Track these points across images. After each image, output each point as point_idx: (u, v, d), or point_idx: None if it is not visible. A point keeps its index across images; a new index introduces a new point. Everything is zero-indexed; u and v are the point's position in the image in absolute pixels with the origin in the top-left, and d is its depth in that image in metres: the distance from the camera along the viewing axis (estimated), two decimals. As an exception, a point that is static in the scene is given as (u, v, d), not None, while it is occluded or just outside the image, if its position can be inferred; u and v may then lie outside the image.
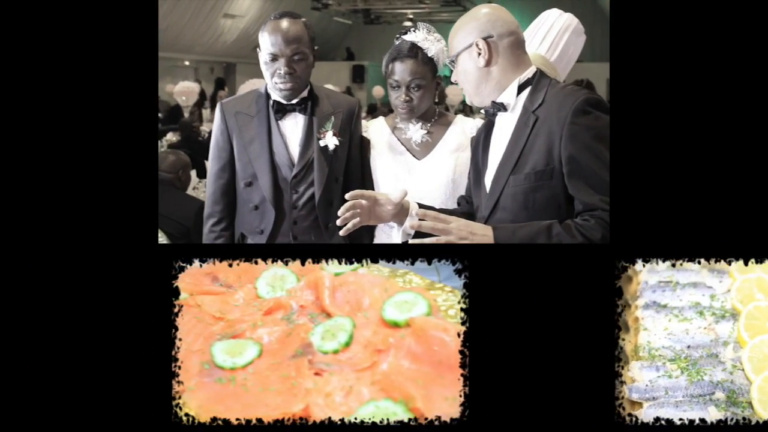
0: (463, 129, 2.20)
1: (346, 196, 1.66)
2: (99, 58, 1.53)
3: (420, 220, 1.51)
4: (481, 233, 1.49)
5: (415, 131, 2.21)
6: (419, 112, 2.18)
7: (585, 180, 1.49)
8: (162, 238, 2.94)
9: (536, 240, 1.46)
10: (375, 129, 2.30)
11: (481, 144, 1.74)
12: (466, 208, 1.82)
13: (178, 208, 3.15)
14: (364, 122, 2.33)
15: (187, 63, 17.65)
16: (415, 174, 2.18)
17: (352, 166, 2.24)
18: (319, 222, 2.16)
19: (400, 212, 1.70)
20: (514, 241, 1.47)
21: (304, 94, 2.16)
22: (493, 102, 1.65)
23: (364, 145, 2.28)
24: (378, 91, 12.77)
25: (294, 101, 2.15)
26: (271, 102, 2.16)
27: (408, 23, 13.49)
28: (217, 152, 2.21)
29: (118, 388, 1.42)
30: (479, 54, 1.63)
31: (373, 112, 7.71)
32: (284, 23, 2.07)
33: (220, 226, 2.23)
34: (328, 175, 2.14)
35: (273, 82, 2.10)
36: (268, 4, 16.51)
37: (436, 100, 2.26)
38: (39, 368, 1.43)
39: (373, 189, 2.27)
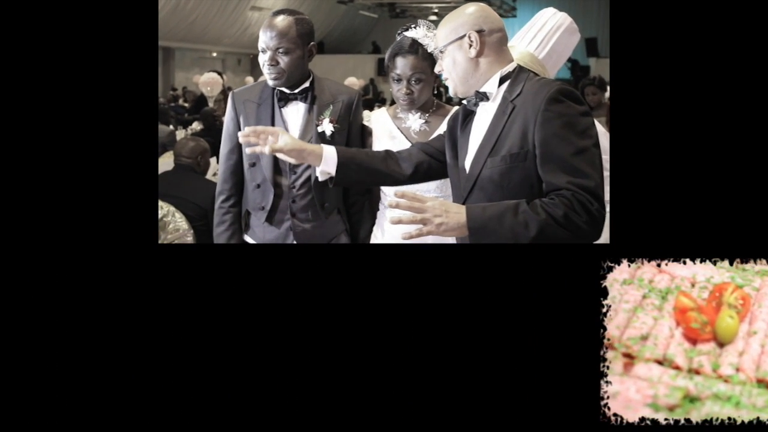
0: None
1: (242, 133, 1.87)
2: (95, 55, 1.54)
3: (398, 198, 1.63)
4: (454, 211, 1.60)
5: (414, 120, 2.36)
6: (419, 103, 2.32)
7: (554, 162, 1.61)
8: (181, 221, 3.16)
9: (504, 216, 1.57)
10: (376, 118, 2.45)
11: (459, 128, 1.86)
12: (416, 155, 1.98)
13: (197, 192, 3.34)
14: (366, 112, 2.50)
15: (214, 54, 17.87)
16: None
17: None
18: (315, 201, 2.35)
19: (310, 156, 1.90)
20: (484, 219, 1.58)
21: (306, 84, 2.33)
22: (477, 92, 1.78)
23: (365, 132, 2.43)
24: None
25: (296, 90, 2.33)
26: (275, 92, 2.35)
27: (433, 17, 13.63)
28: (227, 136, 2.42)
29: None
30: (470, 45, 1.75)
31: (394, 104, 7.85)
32: (275, 20, 2.26)
33: (228, 202, 2.43)
34: None
35: (264, 72, 2.30)
36: (294, -3, 16.70)
37: (435, 92, 2.40)
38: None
39: None
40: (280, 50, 2.25)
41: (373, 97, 12.67)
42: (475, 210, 1.61)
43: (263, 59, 2.28)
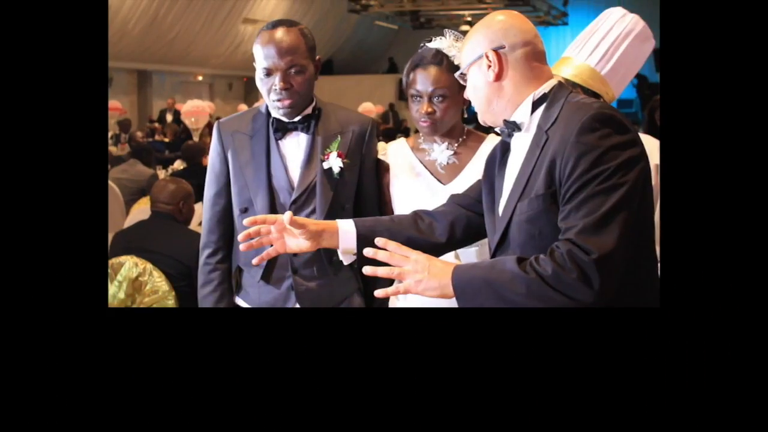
0: None
1: (245, 222, 1.88)
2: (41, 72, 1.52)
3: (379, 248, 1.67)
4: (439, 268, 1.64)
5: (440, 152, 2.38)
6: (444, 128, 2.34)
7: (569, 204, 1.61)
8: (160, 280, 3.20)
9: (490, 275, 1.60)
10: (394, 150, 2.47)
11: (496, 167, 1.88)
12: (428, 226, 1.99)
13: (178, 245, 3.40)
14: (382, 144, 2.53)
15: (200, 78, 18.24)
16: (440, 200, 2.28)
17: (364, 192, 2.44)
18: (321, 253, 2.36)
19: (325, 235, 1.91)
20: (470, 279, 1.62)
21: (308, 110, 2.37)
22: (505, 121, 1.79)
23: (381, 168, 2.46)
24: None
25: (296, 119, 2.36)
26: (270, 120, 2.38)
27: (466, 27, 13.76)
28: (213, 176, 2.45)
29: None
30: (489, 67, 1.77)
31: (417, 133, 7.91)
32: (278, 33, 2.28)
33: (215, 257, 2.45)
34: (332, 201, 2.34)
35: (270, 100, 2.32)
36: (297, 6, 17.00)
37: (465, 116, 2.41)
38: None
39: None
40: (294, 70, 2.29)
41: (394, 127, 12.72)
42: (462, 269, 1.65)
43: (269, 84, 2.30)
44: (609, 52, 2.18)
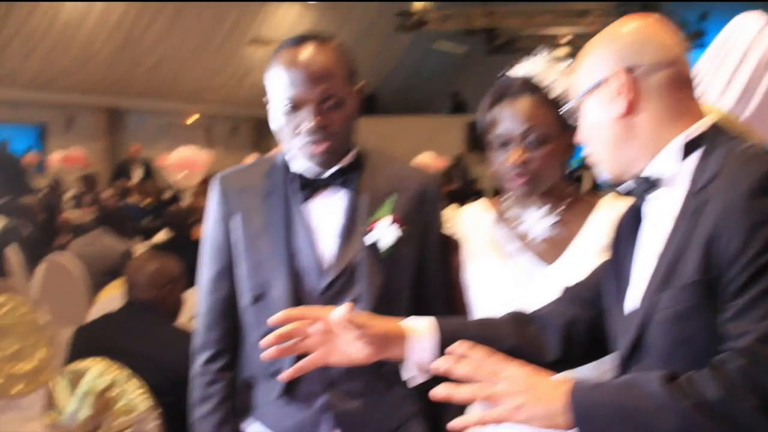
0: (615, 215, 2.24)
1: (270, 321, 1.89)
2: None
3: (451, 355, 1.65)
4: (547, 388, 1.60)
5: (536, 220, 2.39)
6: (543, 184, 2.35)
7: (744, 299, 1.56)
8: (137, 395, 3.21)
9: (627, 408, 1.55)
10: (471, 219, 2.48)
11: (623, 241, 1.87)
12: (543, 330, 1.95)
13: (162, 345, 3.44)
14: (449, 211, 2.52)
15: (193, 118, 18.49)
16: (541, 287, 2.30)
17: (426, 278, 2.44)
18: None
19: (383, 341, 1.87)
20: (595, 404, 1.58)
21: (347, 159, 2.39)
22: (639, 177, 1.78)
23: (448, 247, 2.47)
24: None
25: (328, 173, 2.38)
26: (290, 176, 2.41)
27: (564, 50, 13.71)
28: (213, 252, 2.47)
29: None
30: (617, 95, 1.75)
31: (498, 195, 7.89)
32: (306, 51, 2.30)
33: (216, 363, 2.46)
34: (383, 287, 2.35)
35: (298, 145, 2.33)
36: (325, 22, 17.13)
37: (569, 172, 2.43)
38: None
39: (464, 312, 2.44)
40: (330, 102, 2.30)
41: (462, 187, 12.73)
42: (582, 389, 1.60)
43: (295, 121, 2.31)
44: (748, 89, 2.19)
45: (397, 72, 20.12)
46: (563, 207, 2.40)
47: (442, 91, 21.50)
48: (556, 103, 2.29)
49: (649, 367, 1.66)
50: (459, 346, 1.67)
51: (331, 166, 2.37)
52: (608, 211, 2.34)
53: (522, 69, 2.37)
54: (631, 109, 1.75)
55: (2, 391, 4.56)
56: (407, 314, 1.99)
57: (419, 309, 2.19)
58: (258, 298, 2.41)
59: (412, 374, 1.91)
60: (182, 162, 7.92)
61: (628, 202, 2.30)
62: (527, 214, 2.42)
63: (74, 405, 3.27)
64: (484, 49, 18.50)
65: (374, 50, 18.68)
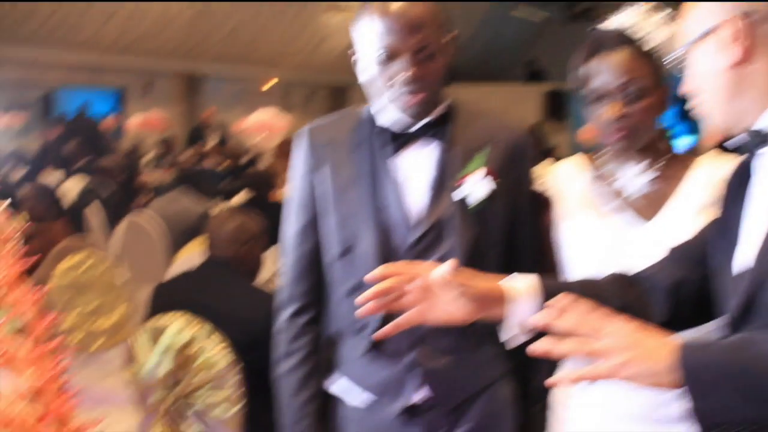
0: (715, 173, 2.28)
1: (367, 278, 1.85)
2: None
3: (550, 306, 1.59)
4: (653, 344, 1.54)
5: (635, 175, 2.36)
6: (642, 139, 2.31)
7: None
8: (217, 352, 3.20)
9: (742, 367, 1.49)
10: (564, 175, 2.47)
11: (731, 199, 1.83)
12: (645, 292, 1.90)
13: (241, 306, 3.45)
14: (541, 167, 2.50)
15: (269, 84, 18.68)
16: (638, 245, 2.29)
17: (518, 234, 2.42)
18: None
19: (484, 301, 1.84)
20: (706, 363, 1.51)
21: (436, 113, 2.37)
22: (751, 130, 1.73)
23: (539, 204, 2.44)
24: (587, 132, 12.99)
25: (418, 125, 2.35)
26: (377, 129, 2.39)
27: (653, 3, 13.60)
28: (298, 205, 2.46)
29: None
30: (732, 42, 1.70)
31: (591, 152, 7.86)
32: (401, 1, 2.28)
33: (303, 317, 2.46)
34: (473, 242, 2.32)
35: (390, 95, 2.31)
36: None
37: (666, 129, 2.39)
38: None
39: (554, 270, 2.43)
40: (425, 52, 2.29)
41: (540, 155, 12.70)
42: (693, 348, 1.54)
43: (390, 72, 2.30)
44: None
45: (474, 39, 20.10)
46: (661, 163, 2.37)
47: (519, 59, 21.51)
48: (651, 56, 2.28)
49: (762, 329, 1.61)
50: (561, 299, 1.60)
51: (422, 118, 2.35)
52: (707, 170, 2.33)
53: (615, 21, 2.34)
54: (746, 58, 1.69)
55: (82, 347, 4.61)
56: (497, 271, 1.95)
57: (509, 266, 2.14)
58: (345, 252, 2.39)
59: (512, 334, 1.88)
60: (261, 125, 7.95)
61: (728, 160, 2.30)
62: (624, 170, 2.38)
63: (154, 360, 3.29)
64: (563, 16, 18.47)
65: (452, 17, 18.71)
